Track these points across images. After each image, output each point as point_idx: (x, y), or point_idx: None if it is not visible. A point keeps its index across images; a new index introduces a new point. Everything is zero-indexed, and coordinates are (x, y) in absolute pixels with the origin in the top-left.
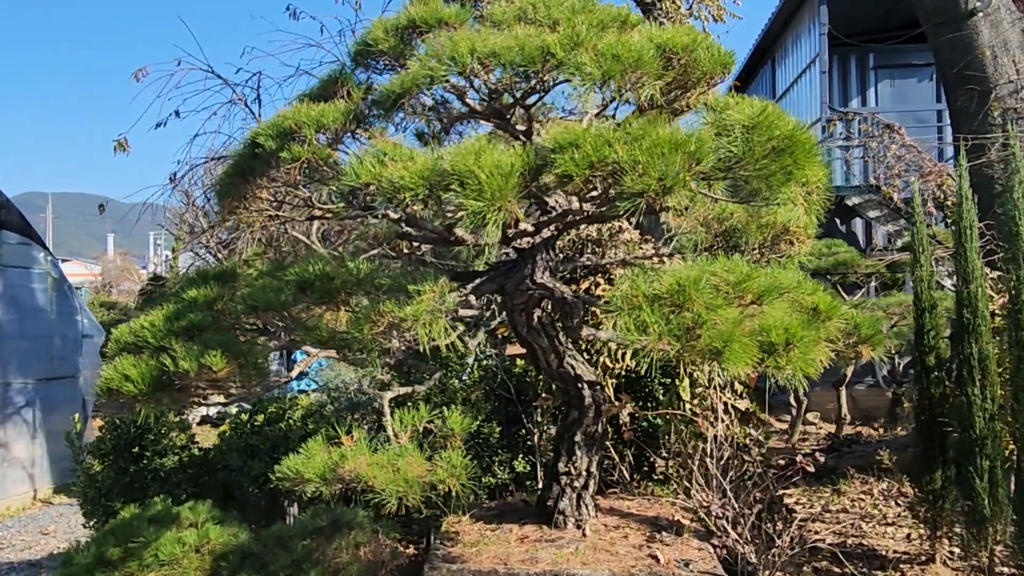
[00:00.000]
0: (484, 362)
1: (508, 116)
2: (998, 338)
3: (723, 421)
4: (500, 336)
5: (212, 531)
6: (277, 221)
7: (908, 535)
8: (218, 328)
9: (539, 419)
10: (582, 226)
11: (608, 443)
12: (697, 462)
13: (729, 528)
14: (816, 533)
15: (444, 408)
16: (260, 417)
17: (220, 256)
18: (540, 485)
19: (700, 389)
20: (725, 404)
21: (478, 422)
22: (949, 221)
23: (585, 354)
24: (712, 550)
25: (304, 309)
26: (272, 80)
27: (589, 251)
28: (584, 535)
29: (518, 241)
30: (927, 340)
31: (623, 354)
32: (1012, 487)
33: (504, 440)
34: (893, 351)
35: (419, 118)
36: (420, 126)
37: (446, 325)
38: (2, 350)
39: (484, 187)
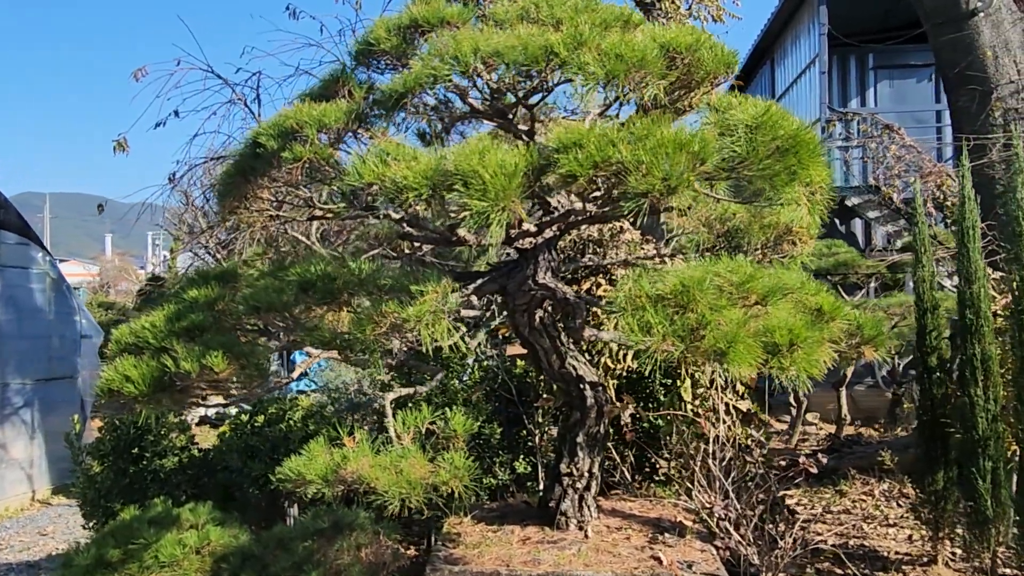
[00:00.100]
0: (485, 363)
1: (510, 116)
2: (1000, 339)
3: (725, 422)
4: (502, 337)
5: (213, 532)
6: (278, 221)
7: (910, 536)
8: (219, 329)
9: (540, 420)
10: (583, 226)
11: (609, 444)
12: (699, 463)
13: (732, 529)
14: (818, 534)
15: (446, 409)
16: (260, 418)
17: (219, 257)
18: (541, 486)
19: (701, 390)
20: (727, 405)
21: (479, 423)
22: (949, 222)
23: (586, 355)
24: (715, 551)
25: (305, 310)
26: (272, 80)
27: (591, 251)
28: (586, 536)
29: (520, 241)
30: (929, 341)
31: (624, 355)
32: (1014, 488)
33: (505, 441)
34: (893, 352)
35: (421, 118)
36: (421, 126)
37: (449, 326)
38: (1, 350)
39: (488, 187)
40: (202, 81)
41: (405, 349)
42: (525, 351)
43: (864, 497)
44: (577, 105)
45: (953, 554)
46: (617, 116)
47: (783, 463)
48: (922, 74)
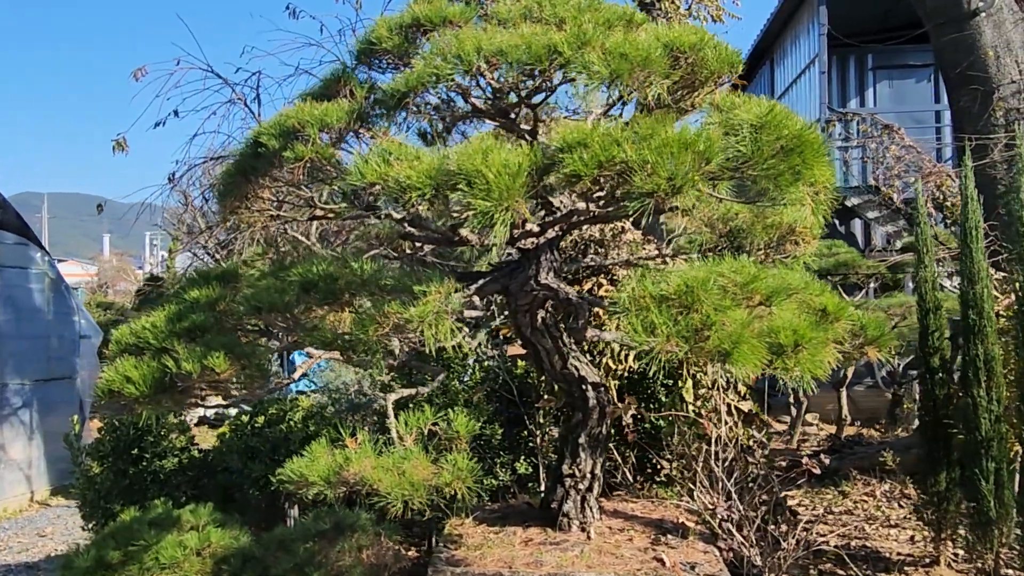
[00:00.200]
0: (486, 363)
1: (513, 115)
2: (1003, 339)
3: (726, 423)
4: (503, 337)
5: (213, 534)
6: (278, 221)
7: (912, 537)
8: (220, 329)
9: (541, 420)
10: (585, 226)
11: (611, 445)
12: (701, 464)
13: (735, 531)
14: (821, 535)
15: (447, 410)
16: (260, 419)
17: (218, 257)
18: (542, 487)
19: (703, 390)
20: (728, 405)
21: (480, 424)
22: (948, 222)
23: (587, 355)
24: (717, 553)
25: (307, 310)
26: (272, 79)
27: (592, 252)
28: (589, 538)
29: (523, 242)
30: (932, 341)
31: (626, 355)
32: (1017, 489)
33: (506, 441)
34: (893, 352)
35: (422, 117)
36: (422, 125)
37: (452, 326)
38: None
39: (492, 186)
40: (202, 81)
41: (407, 350)
42: (525, 351)
43: (866, 498)
44: (579, 105)
45: (955, 555)
46: (620, 116)
47: (784, 464)
48: (921, 74)
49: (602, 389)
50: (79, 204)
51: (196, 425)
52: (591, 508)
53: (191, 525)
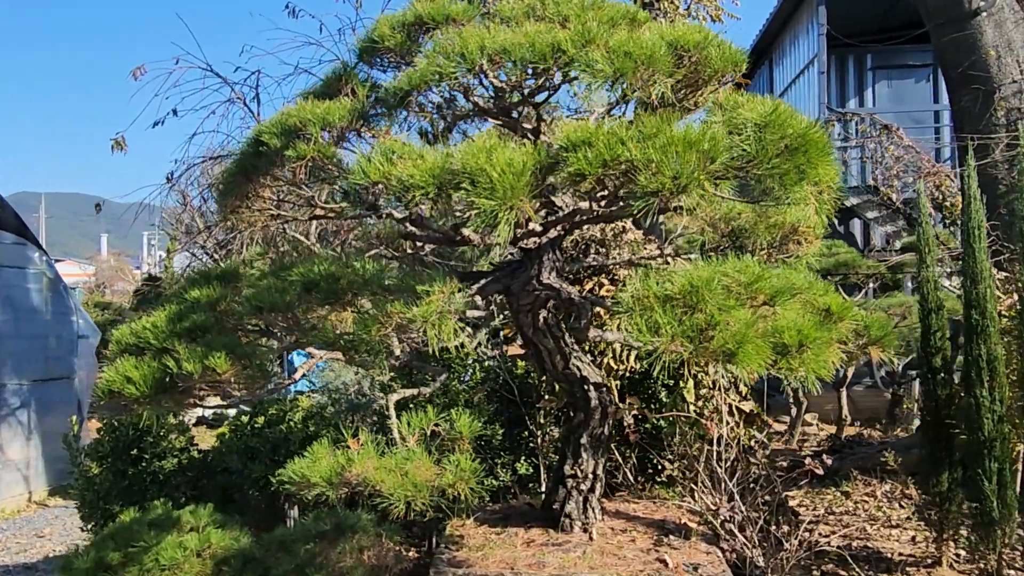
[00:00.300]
0: (486, 363)
1: (515, 114)
2: (1006, 339)
3: (728, 423)
4: (505, 337)
5: (213, 535)
6: (279, 221)
7: (913, 537)
8: (221, 329)
9: (542, 421)
10: (586, 226)
11: (612, 445)
12: (703, 464)
13: (737, 531)
14: (823, 536)
15: (448, 410)
16: (260, 419)
17: (216, 257)
18: (543, 487)
19: (704, 391)
20: (730, 406)
21: (481, 424)
22: (947, 222)
23: (588, 355)
24: (720, 554)
25: (308, 310)
26: (271, 79)
27: (594, 251)
28: (591, 539)
29: (525, 241)
30: (934, 341)
31: (627, 355)
32: (1020, 489)
33: (507, 442)
34: (893, 352)
35: (424, 116)
36: (423, 124)
37: (455, 326)
38: None
39: (496, 185)
40: (201, 80)
41: (408, 350)
42: (526, 351)
43: (867, 498)
44: (580, 104)
45: (957, 555)
46: (624, 115)
47: (785, 464)
48: (920, 74)
49: (604, 389)
50: (77, 204)
51: (194, 425)
52: (593, 509)
53: (191, 526)
